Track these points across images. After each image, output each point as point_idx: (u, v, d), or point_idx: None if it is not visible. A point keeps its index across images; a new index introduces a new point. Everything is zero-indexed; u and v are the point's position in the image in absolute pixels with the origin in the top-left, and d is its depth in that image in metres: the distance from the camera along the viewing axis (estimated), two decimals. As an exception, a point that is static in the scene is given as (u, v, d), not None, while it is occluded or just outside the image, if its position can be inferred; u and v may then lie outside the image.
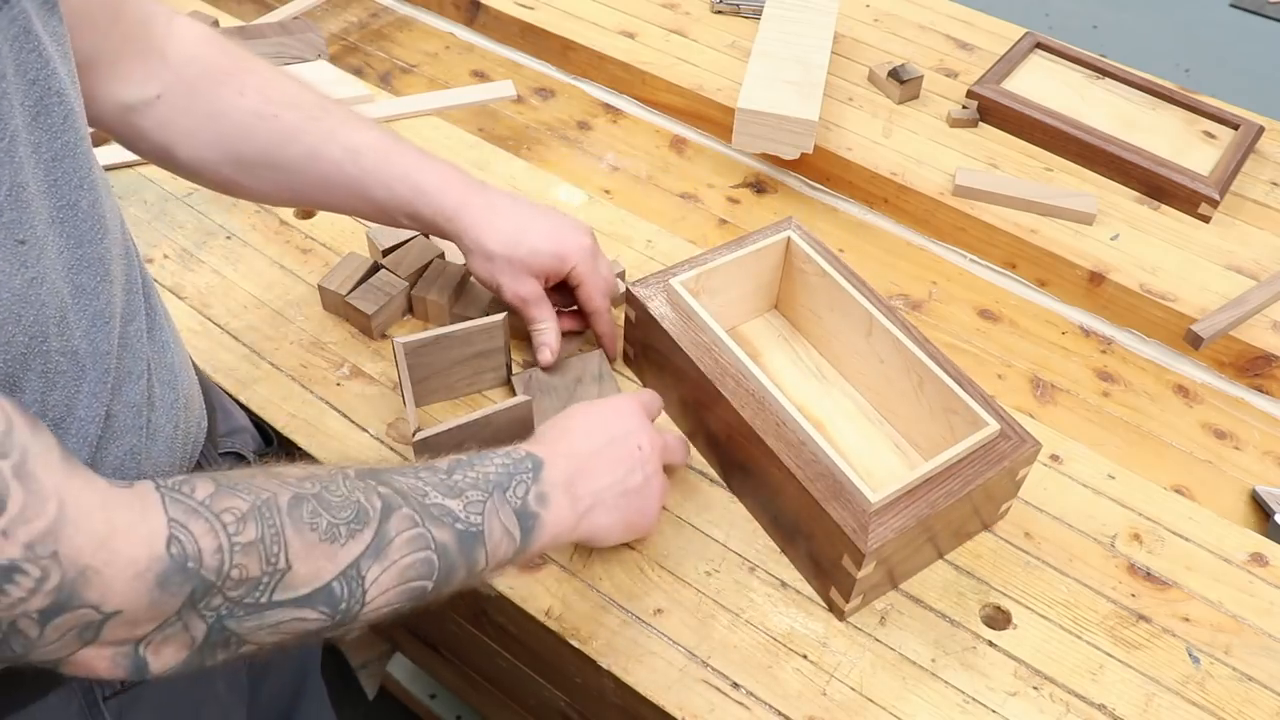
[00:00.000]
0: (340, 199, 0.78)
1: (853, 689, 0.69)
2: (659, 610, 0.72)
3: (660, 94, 1.21)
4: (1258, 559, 0.78)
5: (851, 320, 0.81)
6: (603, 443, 0.66)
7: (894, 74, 1.18)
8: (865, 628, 0.72)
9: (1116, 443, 0.90)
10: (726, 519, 0.78)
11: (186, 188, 1.00)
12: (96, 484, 0.43)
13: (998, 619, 0.73)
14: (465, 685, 1.17)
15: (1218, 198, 1.05)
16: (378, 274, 0.90)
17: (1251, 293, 0.97)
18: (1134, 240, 1.03)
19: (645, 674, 0.69)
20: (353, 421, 0.83)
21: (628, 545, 0.76)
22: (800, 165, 1.12)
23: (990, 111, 1.16)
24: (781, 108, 1.04)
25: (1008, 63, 1.21)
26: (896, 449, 0.80)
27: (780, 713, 0.68)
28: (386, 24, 1.33)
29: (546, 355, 0.82)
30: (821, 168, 1.12)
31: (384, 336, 0.89)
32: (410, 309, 0.91)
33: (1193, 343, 0.94)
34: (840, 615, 0.72)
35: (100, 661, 0.44)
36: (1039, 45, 1.25)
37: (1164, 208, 1.08)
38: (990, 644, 0.72)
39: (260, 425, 0.83)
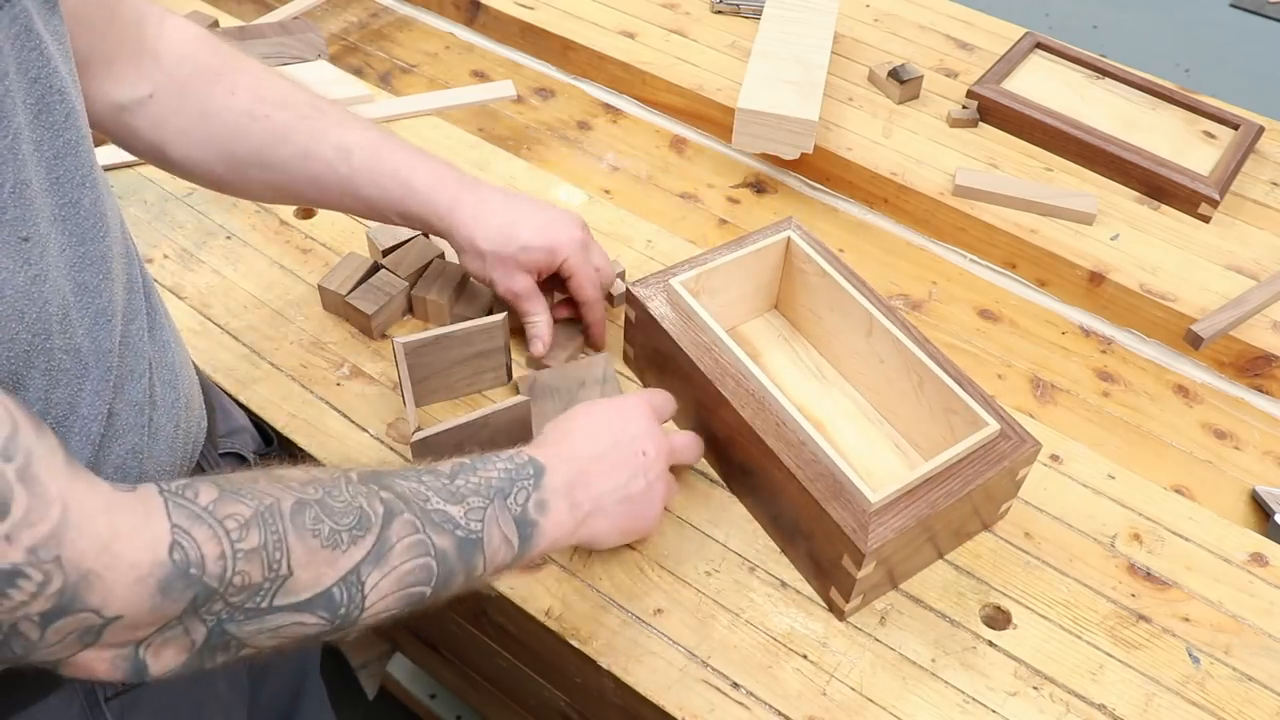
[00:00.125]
0: (332, 198, 0.78)
1: (853, 689, 0.69)
2: (659, 610, 0.72)
3: (660, 94, 1.21)
4: (1258, 559, 0.78)
5: (851, 320, 0.81)
6: (606, 446, 0.65)
7: (894, 74, 1.18)
8: (865, 628, 0.72)
9: (1116, 443, 0.90)
10: (726, 519, 0.78)
11: (186, 188, 1.00)
12: (100, 488, 0.43)
13: (998, 619, 0.73)
14: (465, 685, 1.17)
15: (1218, 198, 1.05)
16: (378, 274, 0.90)
17: (1251, 293, 0.97)
18: (1134, 240, 1.03)
19: (645, 674, 0.69)
20: (353, 421, 0.83)
21: (628, 545, 0.76)
22: (800, 165, 1.12)
23: (990, 111, 1.16)
24: (781, 108, 1.04)
25: (1008, 63, 1.21)
26: (896, 449, 0.80)
27: (780, 713, 0.68)
28: (386, 24, 1.33)
29: (538, 347, 0.83)
30: (821, 168, 1.12)
31: (384, 336, 0.89)
32: (410, 309, 0.91)
33: (1193, 343, 0.94)
34: (840, 615, 0.72)
35: (100, 664, 0.44)
36: (1039, 45, 1.25)
37: (1164, 208, 1.08)
38: (990, 644, 0.72)
39: (260, 425, 0.83)
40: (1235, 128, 1.14)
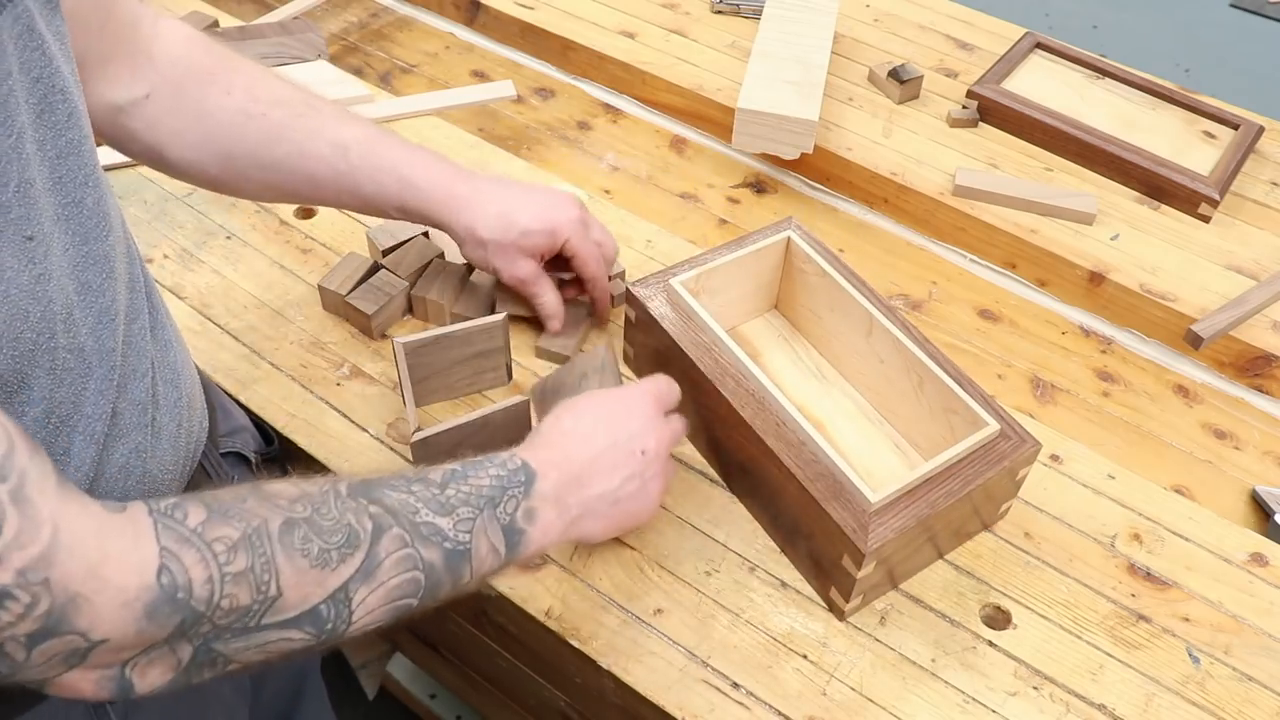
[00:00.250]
0: (329, 195, 0.78)
1: (853, 689, 0.69)
2: (659, 610, 0.72)
3: (660, 94, 1.21)
4: (1258, 559, 0.78)
5: (851, 320, 0.81)
6: (603, 447, 0.64)
7: (894, 74, 1.18)
8: (865, 628, 0.72)
9: (1116, 443, 0.90)
10: (726, 519, 0.78)
11: (186, 188, 1.00)
12: (91, 509, 0.43)
13: (998, 619, 0.73)
14: (465, 685, 1.17)
15: (1218, 198, 1.05)
16: (378, 274, 0.90)
17: (1251, 293, 0.97)
18: (1134, 240, 1.03)
19: (645, 674, 0.69)
20: (353, 421, 0.83)
21: (628, 545, 0.76)
22: (800, 165, 1.12)
23: (990, 111, 1.16)
24: (781, 108, 1.04)
25: (1008, 63, 1.21)
26: (896, 449, 0.80)
27: (780, 713, 0.68)
28: (386, 24, 1.33)
29: (555, 324, 0.85)
30: (821, 168, 1.12)
31: (384, 336, 0.89)
32: (410, 309, 0.91)
33: (1193, 343, 0.94)
34: (840, 615, 0.72)
35: (86, 684, 0.44)
36: (1039, 45, 1.25)
37: (1164, 208, 1.08)
38: (990, 644, 0.72)
39: (260, 425, 0.83)
40: (1235, 128, 1.14)
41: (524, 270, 0.81)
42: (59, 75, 0.48)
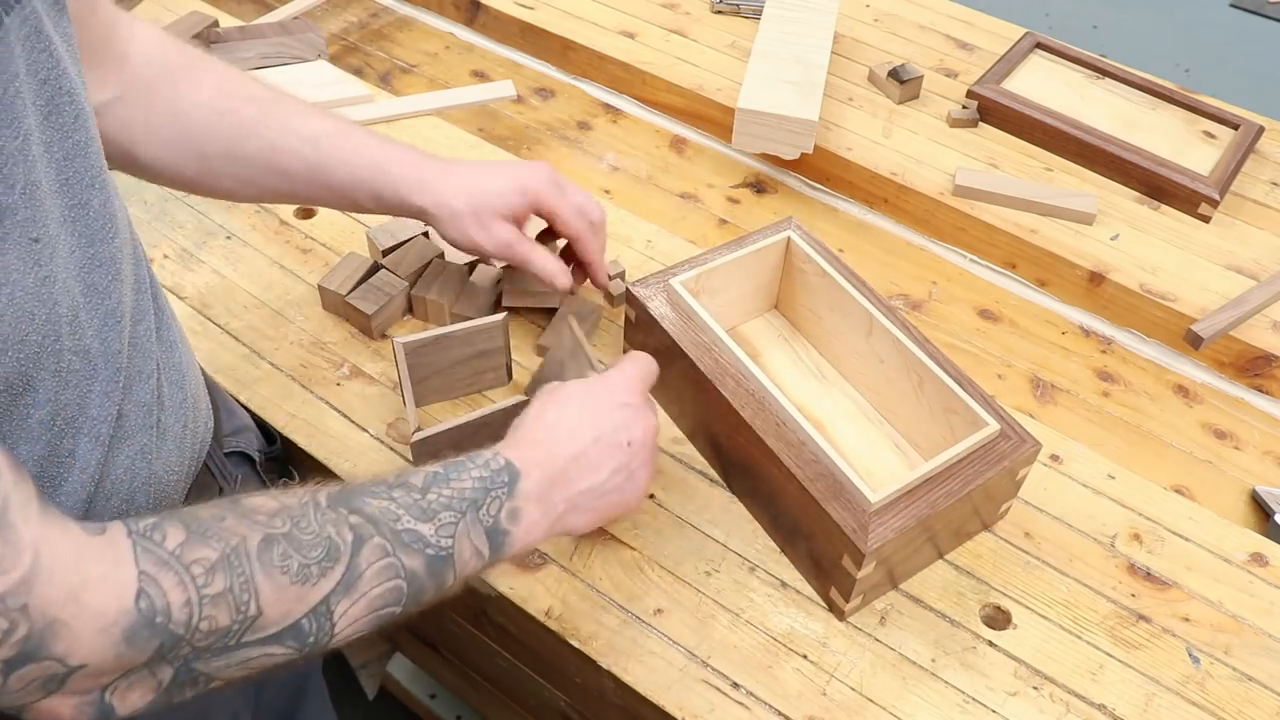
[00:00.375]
0: (301, 187, 0.77)
1: (853, 689, 0.69)
2: (659, 610, 0.72)
3: (660, 94, 1.21)
4: (1258, 559, 0.78)
5: (851, 320, 0.81)
6: (588, 442, 0.63)
7: (894, 74, 1.18)
8: (865, 628, 0.72)
9: (1116, 443, 0.90)
10: (726, 519, 0.78)
11: (186, 188, 1.00)
12: (71, 532, 0.43)
13: (998, 619, 0.73)
14: (465, 685, 1.17)
15: (1218, 198, 1.05)
16: (378, 274, 0.90)
17: (1251, 293, 0.97)
18: (1134, 240, 1.03)
19: (645, 674, 0.69)
20: (353, 421, 0.83)
21: (627, 545, 0.76)
22: (800, 165, 1.12)
23: (990, 111, 1.16)
24: (781, 108, 1.04)
25: (1008, 63, 1.21)
26: (896, 449, 0.80)
27: (780, 713, 0.68)
28: (386, 24, 1.33)
29: (563, 280, 0.81)
30: (821, 168, 1.12)
31: (384, 336, 0.89)
32: (410, 309, 0.91)
33: (1193, 343, 0.94)
34: (840, 615, 0.72)
35: (65, 709, 0.44)
36: (1039, 45, 1.25)
37: (1164, 208, 1.08)
38: (990, 644, 0.72)
39: (263, 425, 0.83)
40: (1235, 128, 1.14)
41: (505, 233, 0.79)
42: (66, 77, 0.48)
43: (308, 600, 0.49)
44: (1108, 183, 1.10)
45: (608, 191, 1.10)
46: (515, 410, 0.76)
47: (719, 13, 1.31)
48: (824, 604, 0.73)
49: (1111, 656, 0.71)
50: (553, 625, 0.71)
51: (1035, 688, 0.69)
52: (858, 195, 1.11)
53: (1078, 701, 0.69)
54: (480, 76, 1.25)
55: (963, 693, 0.69)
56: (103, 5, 0.67)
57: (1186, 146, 1.12)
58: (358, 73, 1.23)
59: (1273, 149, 1.16)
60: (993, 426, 0.71)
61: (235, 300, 0.92)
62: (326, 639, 0.50)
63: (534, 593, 0.73)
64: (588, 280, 0.87)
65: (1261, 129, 1.14)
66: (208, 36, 1.18)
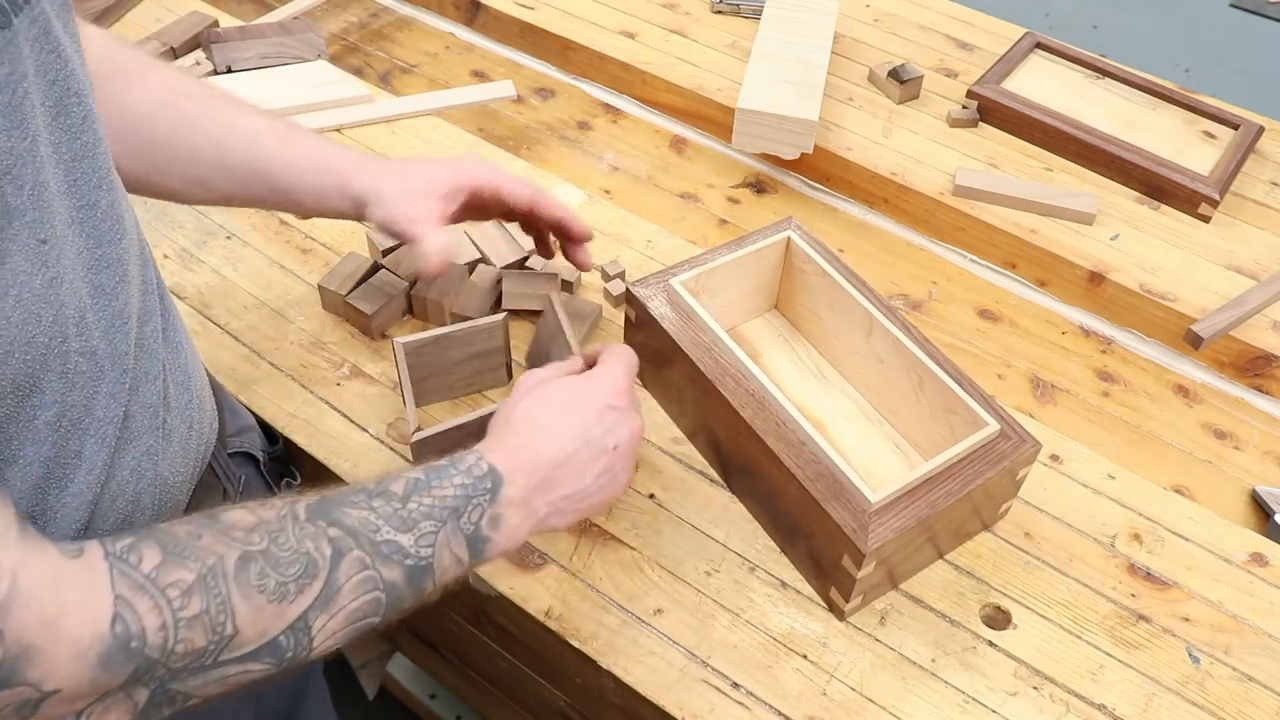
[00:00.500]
0: (243, 185, 0.76)
1: (853, 689, 0.69)
2: (659, 610, 0.72)
3: (660, 94, 1.21)
4: (1258, 559, 0.78)
5: (851, 320, 0.81)
6: (575, 448, 0.62)
7: (894, 74, 1.18)
8: (865, 628, 0.72)
9: (1116, 443, 0.90)
10: (726, 519, 0.78)
11: (186, 188, 1.00)
12: (49, 556, 0.43)
13: (998, 619, 0.73)
14: (465, 685, 1.17)
15: (1218, 198, 1.05)
16: (378, 274, 0.90)
17: (1251, 293, 0.97)
18: (1134, 240, 1.03)
19: (645, 674, 0.69)
20: (353, 421, 0.83)
21: (627, 545, 0.76)
22: (800, 165, 1.12)
23: (990, 111, 1.16)
24: (781, 108, 1.04)
25: (1008, 63, 1.21)
26: (896, 449, 0.80)
27: (780, 713, 0.68)
28: (386, 24, 1.33)
29: (432, 261, 0.74)
30: (821, 168, 1.12)
31: (384, 336, 0.89)
32: (410, 309, 0.91)
33: (1193, 343, 0.94)
34: (840, 615, 0.72)
35: None
36: (1039, 45, 1.25)
37: (1164, 208, 1.08)
38: (990, 644, 0.72)
39: (264, 424, 0.83)
40: (1235, 128, 1.14)
41: (418, 208, 0.74)
42: (74, 78, 0.48)
43: (285, 617, 0.49)
44: (1108, 183, 1.10)
45: (608, 191, 1.10)
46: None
47: (719, 13, 1.31)
48: (824, 604, 0.73)
49: (1111, 656, 0.71)
50: (553, 625, 0.71)
51: (1035, 688, 0.69)
52: (858, 195, 1.11)
53: (1078, 701, 0.69)
54: (480, 76, 1.25)
55: (963, 693, 0.69)
56: None
57: (1186, 146, 1.12)
58: (358, 73, 1.23)
59: (1273, 149, 1.16)
60: (993, 426, 0.71)
61: (235, 300, 0.92)
62: (304, 653, 0.50)
63: (534, 593, 0.73)
64: (580, 274, 0.87)
65: (1261, 129, 1.14)
66: (208, 36, 1.18)
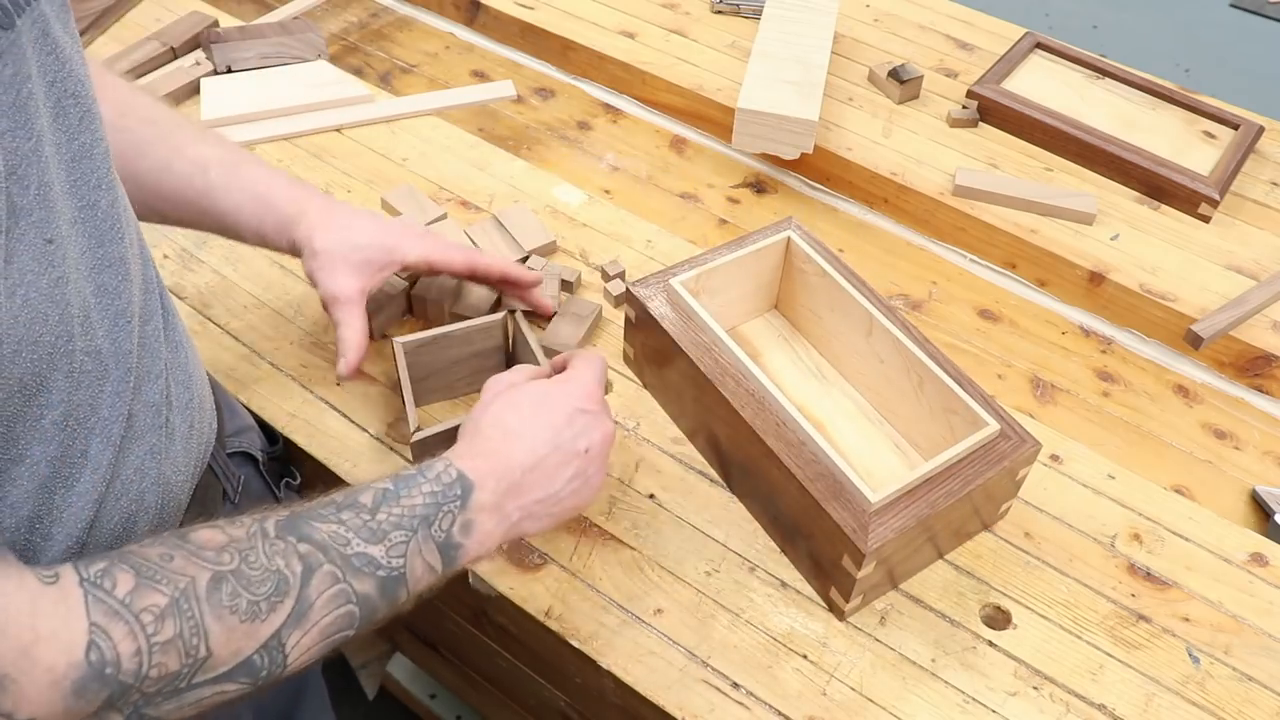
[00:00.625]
0: (188, 213, 0.76)
1: (853, 689, 0.69)
2: (659, 610, 0.72)
3: (660, 94, 1.21)
4: (1258, 559, 0.78)
5: (851, 320, 0.81)
6: (546, 452, 0.62)
7: (894, 74, 1.18)
8: (865, 628, 0.72)
9: (1116, 443, 0.90)
10: (726, 519, 0.78)
11: (186, 188, 1.00)
12: (27, 584, 0.43)
13: (998, 619, 0.73)
14: (465, 685, 1.17)
15: (1218, 198, 1.05)
16: (378, 274, 0.90)
17: (1251, 293, 0.97)
18: (1134, 240, 1.03)
19: (645, 674, 0.69)
20: (353, 421, 0.83)
21: (627, 545, 0.76)
22: (800, 165, 1.12)
23: (990, 111, 1.16)
24: (781, 108, 1.04)
25: (1008, 63, 1.21)
26: (896, 449, 0.80)
27: (780, 713, 0.68)
28: (386, 24, 1.33)
29: (341, 365, 0.76)
30: (821, 168, 1.12)
31: (384, 336, 0.89)
32: (410, 309, 0.91)
33: (1193, 343, 0.94)
34: (840, 615, 0.72)
35: None
36: (1039, 45, 1.25)
37: (1164, 208, 1.08)
38: (990, 644, 0.72)
39: (264, 424, 0.83)
40: (1235, 128, 1.14)
41: (339, 286, 0.76)
42: (73, 79, 0.48)
43: (258, 636, 0.49)
44: (1108, 183, 1.10)
45: (608, 191, 1.10)
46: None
47: (719, 13, 1.31)
48: (824, 604, 0.73)
49: (1111, 656, 0.71)
50: (553, 625, 0.71)
51: (1035, 688, 0.69)
52: (858, 195, 1.11)
53: (1078, 701, 0.69)
54: (480, 76, 1.25)
55: (963, 693, 0.69)
56: None
57: (1186, 146, 1.12)
58: (358, 73, 1.23)
59: (1273, 149, 1.16)
60: (993, 426, 0.71)
61: (235, 300, 0.92)
62: (279, 670, 0.50)
63: (534, 593, 0.73)
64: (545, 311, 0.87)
65: (1261, 129, 1.14)
66: (208, 36, 1.18)
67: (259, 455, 0.78)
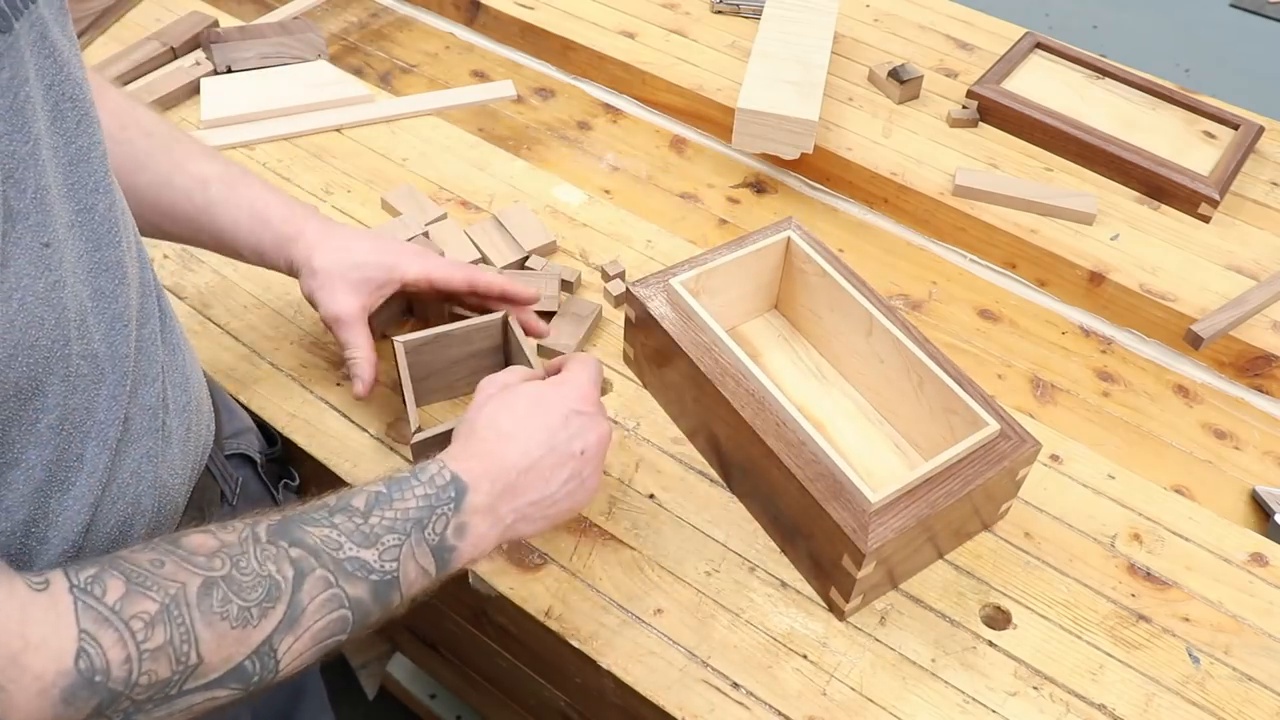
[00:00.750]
0: (185, 229, 0.76)
1: (853, 689, 0.69)
2: (659, 610, 0.72)
3: (660, 94, 1.21)
4: (1258, 559, 0.78)
5: (851, 320, 0.81)
6: (541, 454, 0.61)
7: (894, 74, 1.18)
8: (865, 628, 0.72)
9: (1116, 443, 0.90)
10: (726, 519, 0.78)
11: (186, 188, 1.00)
12: (17, 591, 0.43)
13: (998, 619, 0.73)
14: (465, 685, 1.17)
15: (1218, 198, 1.05)
16: (378, 274, 0.90)
17: (1251, 293, 0.97)
18: (1134, 240, 1.03)
19: (645, 674, 0.69)
20: (353, 421, 0.83)
21: (627, 545, 0.76)
22: (800, 165, 1.12)
23: (990, 111, 1.16)
24: (781, 108, 1.04)
25: (1008, 63, 1.21)
26: (896, 449, 0.80)
27: (780, 713, 0.68)
28: (386, 24, 1.33)
29: (358, 387, 0.77)
30: (821, 168, 1.12)
31: (384, 336, 0.89)
32: (410, 309, 0.91)
33: (1193, 343, 0.94)
34: (840, 615, 0.72)
35: None
36: (1039, 45, 1.25)
37: (1164, 208, 1.08)
38: (990, 644, 0.72)
39: (263, 425, 0.83)
40: (1235, 128, 1.14)
41: (341, 306, 0.76)
42: (70, 81, 0.48)
43: (250, 642, 0.49)
44: (1108, 183, 1.10)
45: (608, 191, 1.10)
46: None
47: (719, 13, 1.31)
48: (824, 604, 0.73)
49: (1111, 656, 0.71)
50: (553, 625, 0.71)
51: (1035, 688, 0.69)
52: (858, 195, 1.11)
53: (1078, 701, 0.69)
54: (480, 76, 1.25)
55: (963, 693, 0.69)
56: None
57: (1186, 146, 1.12)
58: (358, 73, 1.23)
59: (1273, 149, 1.16)
60: (993, 426, 0.71)
61: (235, 300, 0.92)
62: (271, 676, 0.50)
63: (534, 593, 0.73)
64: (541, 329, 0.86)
65: (1261, 129, 1.14)
66: (208, 36, 1.18)
67: (257, 457, 0.78)
